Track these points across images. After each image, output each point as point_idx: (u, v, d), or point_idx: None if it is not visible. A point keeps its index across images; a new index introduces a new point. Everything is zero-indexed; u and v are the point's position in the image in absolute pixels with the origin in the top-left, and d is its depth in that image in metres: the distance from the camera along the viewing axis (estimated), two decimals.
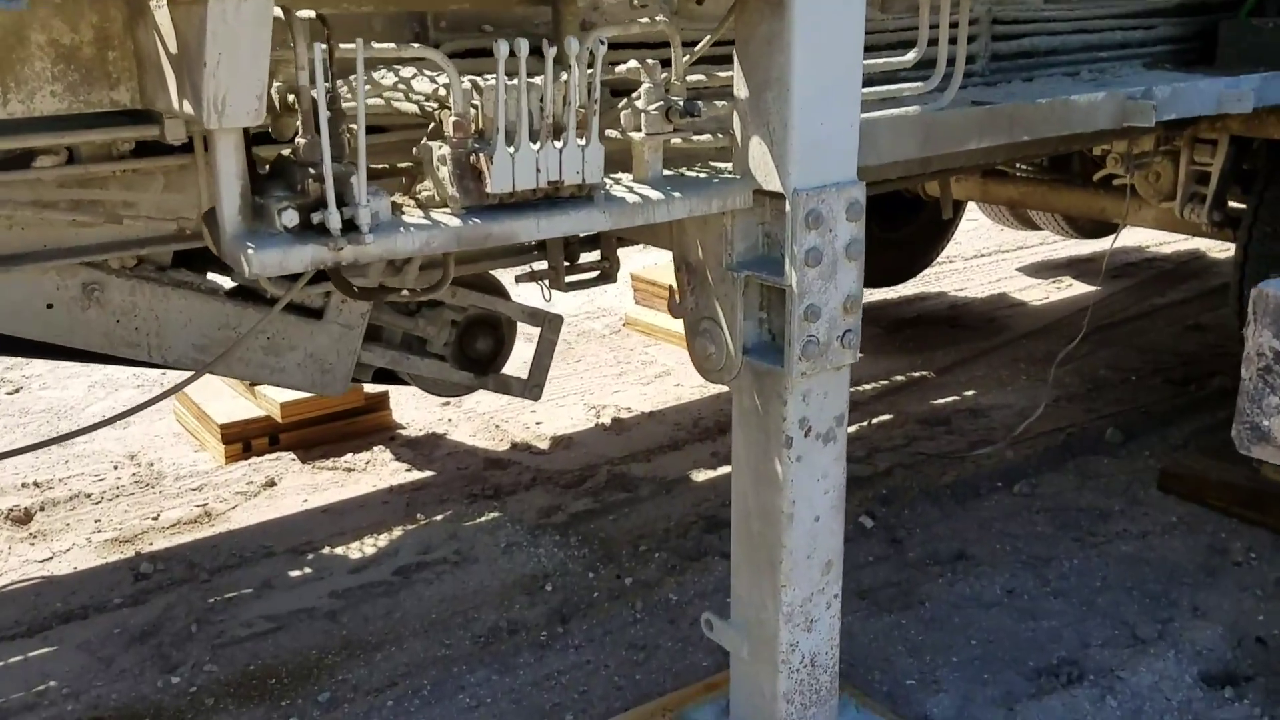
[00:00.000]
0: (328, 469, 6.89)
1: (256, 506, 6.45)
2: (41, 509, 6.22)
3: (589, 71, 3.00)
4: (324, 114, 2.54)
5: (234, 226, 2.63)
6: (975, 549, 5.74)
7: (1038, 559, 5.64)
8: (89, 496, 6.44)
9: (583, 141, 3.02)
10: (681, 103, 3.27)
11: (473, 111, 3.00)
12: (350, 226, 2.67)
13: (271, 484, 6.66)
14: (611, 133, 3.39)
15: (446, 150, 2.90)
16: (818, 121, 3.29)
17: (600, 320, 9.52)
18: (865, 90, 3.58)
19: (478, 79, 3.02)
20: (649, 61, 3.28)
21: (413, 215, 2.91)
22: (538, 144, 2.95)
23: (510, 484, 6.63)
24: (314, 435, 7.16)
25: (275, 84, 2.94)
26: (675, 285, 3.77)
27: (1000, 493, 6.38)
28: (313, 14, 2.73)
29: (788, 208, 3.30)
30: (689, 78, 3.51)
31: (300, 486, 6.67)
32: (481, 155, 2.88)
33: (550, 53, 2.85)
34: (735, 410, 3.70)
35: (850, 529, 5.79)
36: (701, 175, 3.50)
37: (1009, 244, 12.15)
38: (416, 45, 2.81)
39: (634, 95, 3.36)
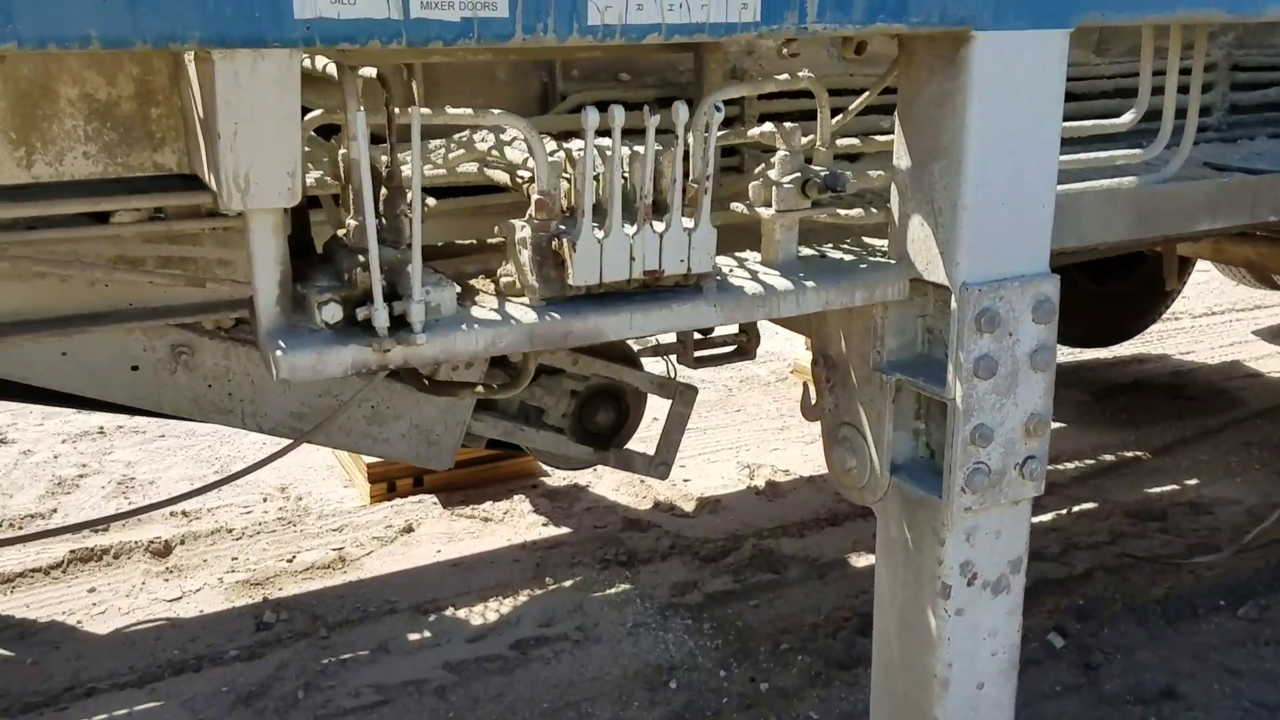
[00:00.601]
0: (466, 516, 6.61)
1: (391, 554, 6.23)
2: (182, 542, 6.21)
3: (704, 138, 2.48)
4: (367, 191, 2.12)
5: (269, 320, 2.25)
6: (1187, 686, 4.81)
7: (1265, 706, 4.65)
8: (230, 531, 6.39)
9: (690, 223, 2.50)
10: (823, 175, 2.69)
11: (564, 185, 2.53)
12: (401, 323, 2.25)
13: (409, 530, 6.44)
14: (737, 206, 2.84)
15: (527, 232, 2.44)
16: (997, 200, 2.63)
17: (766, 365, 8.91)
18: (1065, 157, 2.89)
19: (572, 147, 2.55)
20: (786, 125, 2.72)
21: (484, 307, 2.46)
22: (634, 226, 2.44)
23: (646, 550, 6.14)
24: (458, 479, 6.91)
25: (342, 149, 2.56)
26: (811, 380, 3.17)
27: (1222, 614, 5.37)
28: (372, 72, 2.33)
29: (954, 304, 2.66)
30: (840, 141, 2.92)
31: (436, 535, 6.42)
32: (565, 240, 2.40)
33: (651, 121, 2.34)
34: (880, 538, 3.07)
35: (1035, 647, 4.97)
36: (847, 257, 2.90)
37: (1245, 302, 10.70)
38: (498, 111, 2.35)
39: (767, 163, 2.80)
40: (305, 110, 2.61)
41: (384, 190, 2.31)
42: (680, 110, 2.37)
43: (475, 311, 2.42)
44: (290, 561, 6.06)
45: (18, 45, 1.66)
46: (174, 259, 3.22)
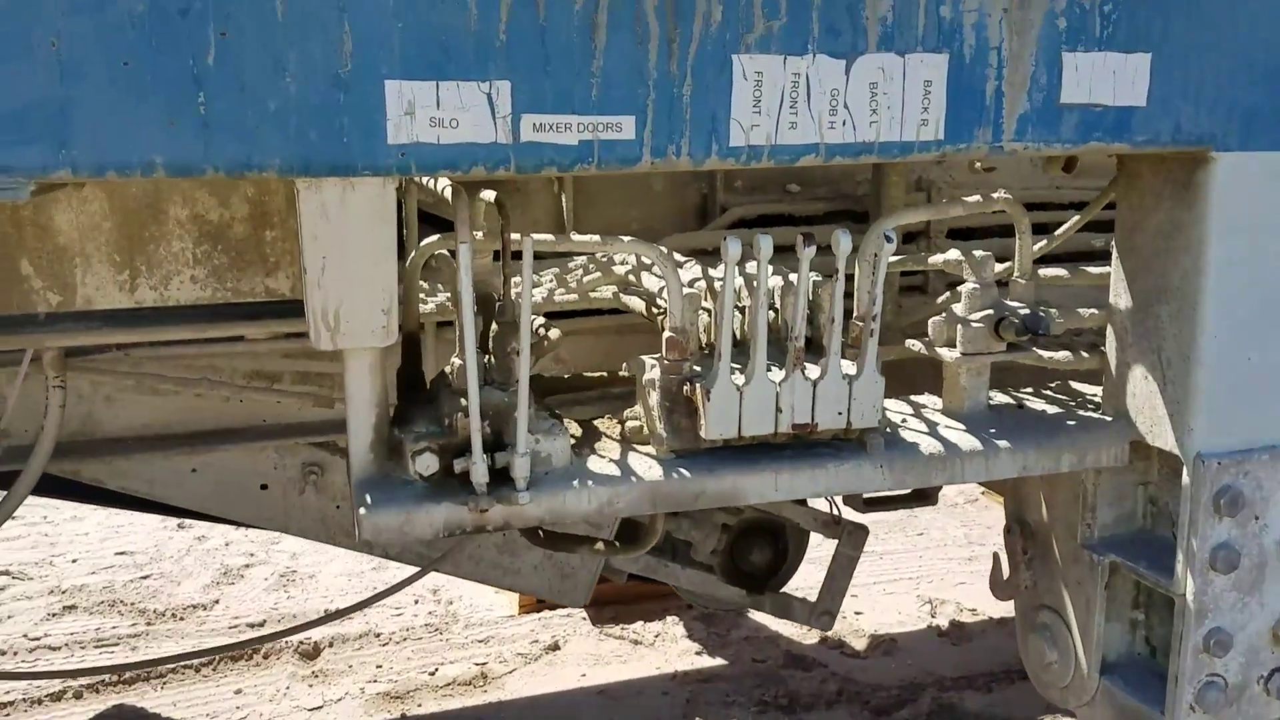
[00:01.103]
0: (615, 637, 6.24)
1: (534, 673, 5.91)
2: (330, 645, 6.11)
3: (869, 270, 2.10)
4: (467, 327, 1.84)
5: (361, 469, 2.00)
6: None
7: None
8: (378, 636, 6.25)
9: (852, 369, 2.11)
10: (1022, 314, 2.25)
11: (705, 318, 2.20)
12: (505, 477, 1.95)
13: (555, 648, 6.13)
14: (914, 344, 2.43)
15: (656, 373, 2.11)
16: (1242, 353, 2.12)
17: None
18: None
19: (717, 275, 2.22)
20: (976, 254, 2.30)
21: (603, 457, 2.13)
22: (782, 372, 2.08)
23: (809, 694, 5.58)
24: (609, 593, 6.57)
25: None
26: (1004, 549, 2.68)
27: None
28: (491, 195, 2.08)
29: (1185, 478, 2.15)
30: (1042, 272, 2.47)
31: (583, 655, 6.07)
32: (699, 386, 2.05)
33: (806, 253, 1.98)
34: None
35: None
36: (1050, 408, 2.43)
37: None
38: (629, 239, 2.06)
39: (953, 293, 2.39)
40: (432, 224, 2.40)
41: (494, 325, 2.04)
42: (842, 241, 2.00)
43: (591, 464, 2.09)
44: (433, 674, 5.84)
45: (72, 173, 1.48)
46: (311, 375, 3.07)
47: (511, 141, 1.69)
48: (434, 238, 2.09)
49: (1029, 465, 2.24)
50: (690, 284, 2.28)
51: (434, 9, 1.60)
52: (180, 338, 2.31)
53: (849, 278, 2.13)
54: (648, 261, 2.52)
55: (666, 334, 2.08)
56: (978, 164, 2.80)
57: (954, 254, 2.36)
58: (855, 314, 2.16)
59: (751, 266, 2.37)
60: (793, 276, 2.18)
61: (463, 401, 1.95)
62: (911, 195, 3.38)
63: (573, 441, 2.20)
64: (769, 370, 2.08)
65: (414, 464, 1.94)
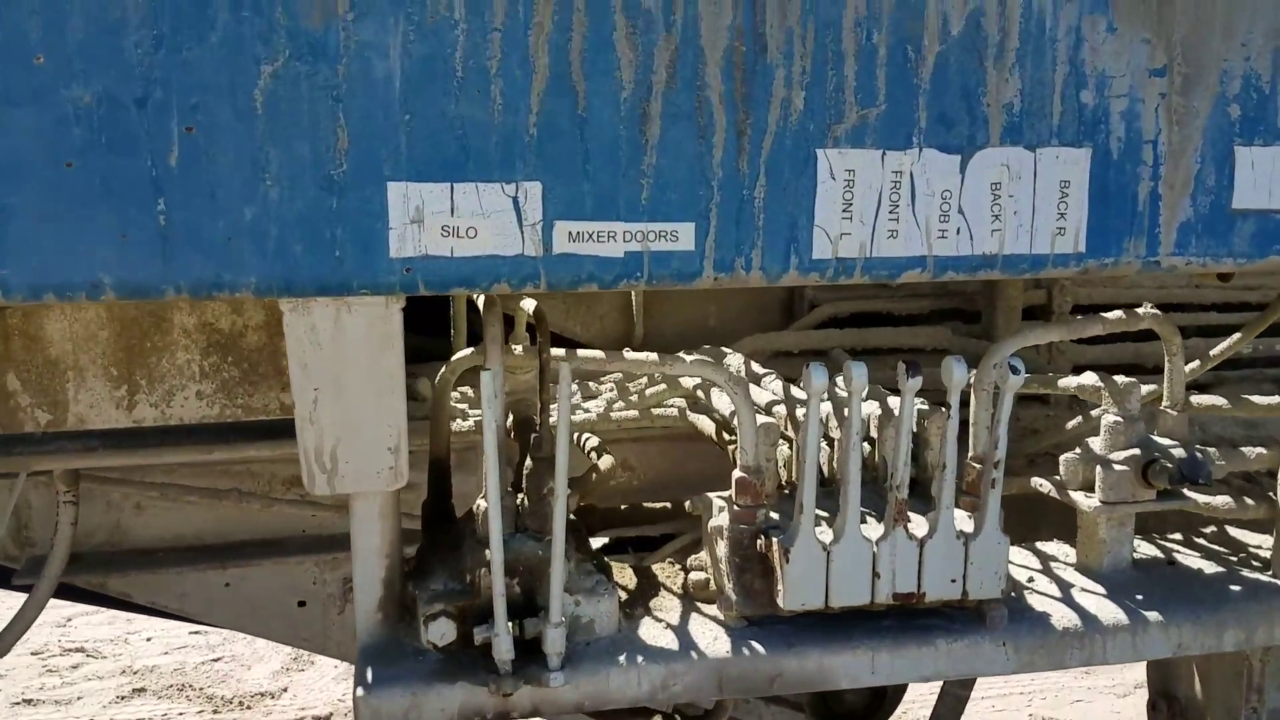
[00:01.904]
0: None
1: None
2: None
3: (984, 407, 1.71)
4: (491, 468, 1.52)
5: (367, 631, 1.68)
6: None
7: None
8: None
9: (968, 524, 1.72)
10: (1177, 456, 1.83)
11: (784, 450, 1.84)
12: (535, 648, 1.61)
13: None
14: (1041, 484, 2.02)
15: (724, 521, 1.75)
16: None
17: None
18: None
19: (799, 396, 1.86)
20: (1118, 380, 1.90)
21: (659, 622, 1.77)
22: (880, 527, 1.70)
23: None
24: None
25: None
26: None
27: None
28: (531, 305, 1.77)
29: None
30: (1195, 400, 2.03)
31: None
32: (775, 542, 1.68)
33: (910, 385, 1.61)
34: None
35: None
36: (1208, 567, 1.98)
37: None
38: (692, 358, 1.72)
39: (1082, 420, 1.98)
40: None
41: (528, 461, 1.72)
42: (955, 371, 1.62)
43: (644, 632, 1.73)
44: None
45: (3, 295, 1.21)
46: None
47: (542, 254, 1.38)
48: (467, 351, 1.79)
49: (1185, 643, 1.80)
50: (768, 408, 1.92)
51: (449, 98, 1.31)
52: (183, 460, 2.06)
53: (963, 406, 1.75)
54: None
55: (737, 474, 1.73)
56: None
57: (1090, 378, 1.96)
58: (971, 454, 1.77)
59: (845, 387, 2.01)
60: (894, 403, 1.81)
61: (488, 554, 1.61)
62: (1029, 294, 2.97)
63: (624, 597, 1.85)
64: (864, 523, 1.70)
65: (426, 631, 1.62)
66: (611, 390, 2.35)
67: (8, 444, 1.90)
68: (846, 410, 1.63)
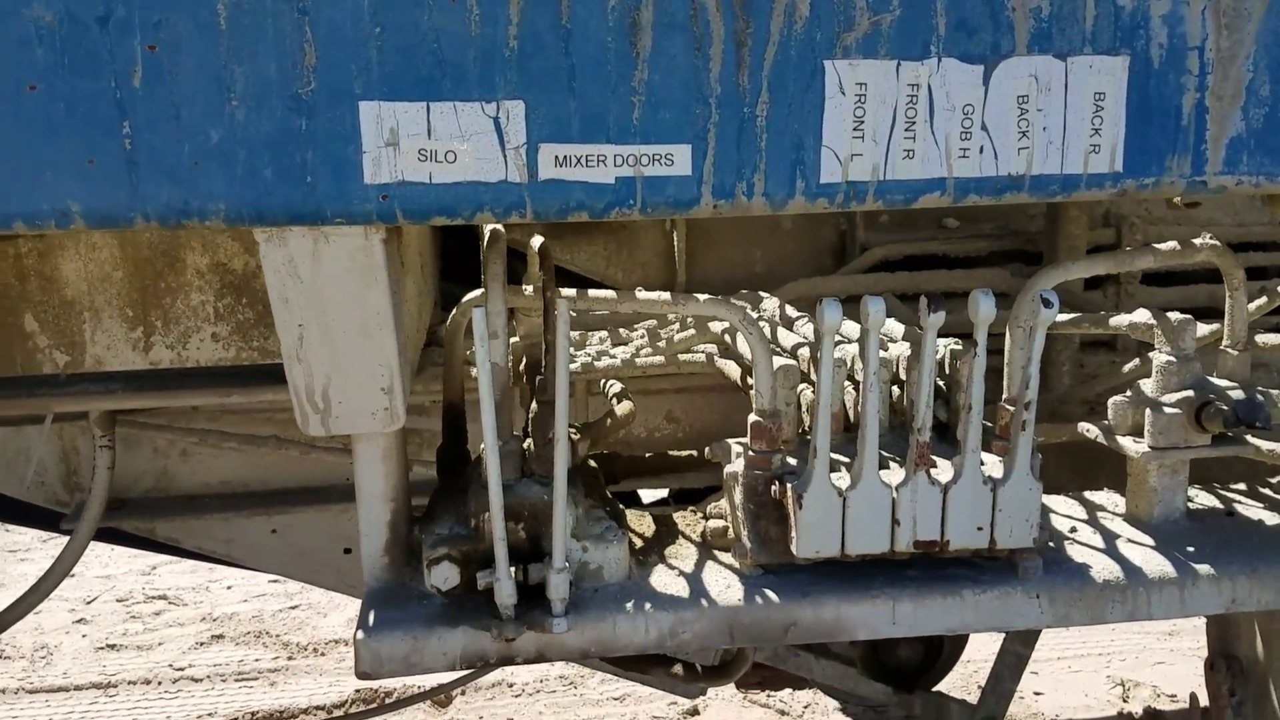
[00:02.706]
0: (760, 705, 5.74)
1: None
2: (463, 693, 5.87)
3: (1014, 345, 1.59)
4: (487, 409, 1.46)
5: (373, 575, 1.66)
6: None
7: None
8: (511, 686, 5.97)
9: (996, 469, 1.61)
10: (1234, 398, 1.68)
11: (809, 395, 1.74)
12: (538, 596, 1.56)
13: (694, 713, 5.68)
14: (1088, 429, 1.89)
15: (739, 465, 1.67)
16: None
17: None
18: None
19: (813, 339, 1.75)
20: (1173, 316, 1.75)
21: (671, 570, 1.70)
22: (901, 472, 1.60)
23: None
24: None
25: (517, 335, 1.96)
26: (1203, 688, 2.07)
27: None
28: (539, 240, 1.70)
29: None
30: (1262, 339, 1.87)
31: None
32: (789, 488, 1.60)
33: (932, 322, 1.50)
34: None
35: None
36: (1269, 516, 1.84)
37: None
38: (704, 298, 1.63)
39: (1140, 361, 1.84)
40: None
41: (534, 405, 1.66)
42: (981, 305, 1.51)
43: (655, 579, 1.67)
44: None
45: None
46: (408, 430, 2.77)
47: (527, 180, 1.30)
48: (477, 292, 1.74)
49: (1239, 599, 1.67)
50: (793, 351, 1.82)
51: (422, 9, 1.24)
52: (200, 403, 2.05)
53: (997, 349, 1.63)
54: (759, 314, 2.08)
55: (752, 417, 1.64)
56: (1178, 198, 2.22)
57: (1142, 315, 1.81)
58: (1004, 396, 1.66)
59: (891, 327, 1.90)
60: (941, 342, 1.70)
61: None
62: (1096, 232, 2.80)
63: (639, 544, 1.79)
64: (888, 469, 1.61)
65: (430, 575, 1.58)
66: (642, 337, 2.27)
67: (30, 385, 1.92)
68: (867, 344, 1.53)
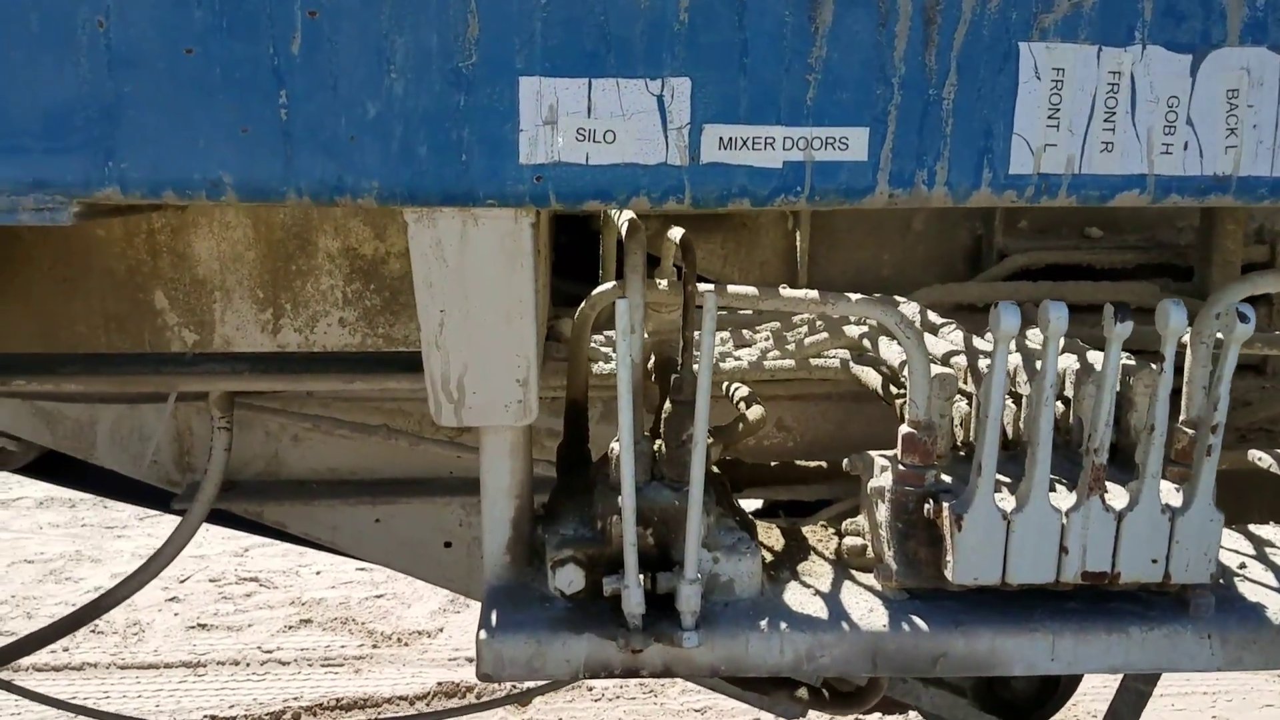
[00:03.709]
0: None
1: None
2: (543, 692, 5.83)
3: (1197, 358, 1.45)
4: (625, 414, 1.38)
5: (495, 573, 1.59)
6: None
7: None
8: (590, 690, 5.92)
9: (1174, 497, 1.47)
10: None
11: (962, 407, 1.63)
12: (669, 604, 1.47)
13: None
14: (1259, 456, 1.73)
15: (887, 481, 1.56)
16: None
17: None
18: None
19: (982, 346, 1.64)
20: None
21: (807, 587, 1.60)
22: (1071, 497, 1.47)
23: None
24: None
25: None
26: None
27: None
28: (679, 232, 1.62)
29: None
30: None
31: None
32: (946, 508, 1.48)
33: (1118, 332, 1.37)
34: None
35: None
36: None
37: None
38: (857, 297, 1.52)
39: None
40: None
41: (667, 405, 1.57)
42: (1172, 316, 1.37)
43: (790, 596, 1.57)
44: None
45: (121, 191, 1.15)
46: None
47: (688, 163, 1.22)
48: (609, 285, 1.66)
49: None
50: (945, 359, 1.71)
51: None
52: (325, 389, 2.01)
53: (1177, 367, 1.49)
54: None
55: (904, 429, 1.53)
56: None
57: None
58: (1183, 418, 1.52)
59: (1035, 338, 1.77)
60: (1094, 358, 1.57)
61: (620, 501, 1.48)
62: (1249, 249, 2.62)
63: (769, 559, 1.69)
64: (1052, 491, 1.48)
65: (554, 577, 1.50)
66: (767, 339, 2.17)
67: (156, 363, 1.90)
68: (1039, 359, 1.41)
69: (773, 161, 1.22)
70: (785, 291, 1.58)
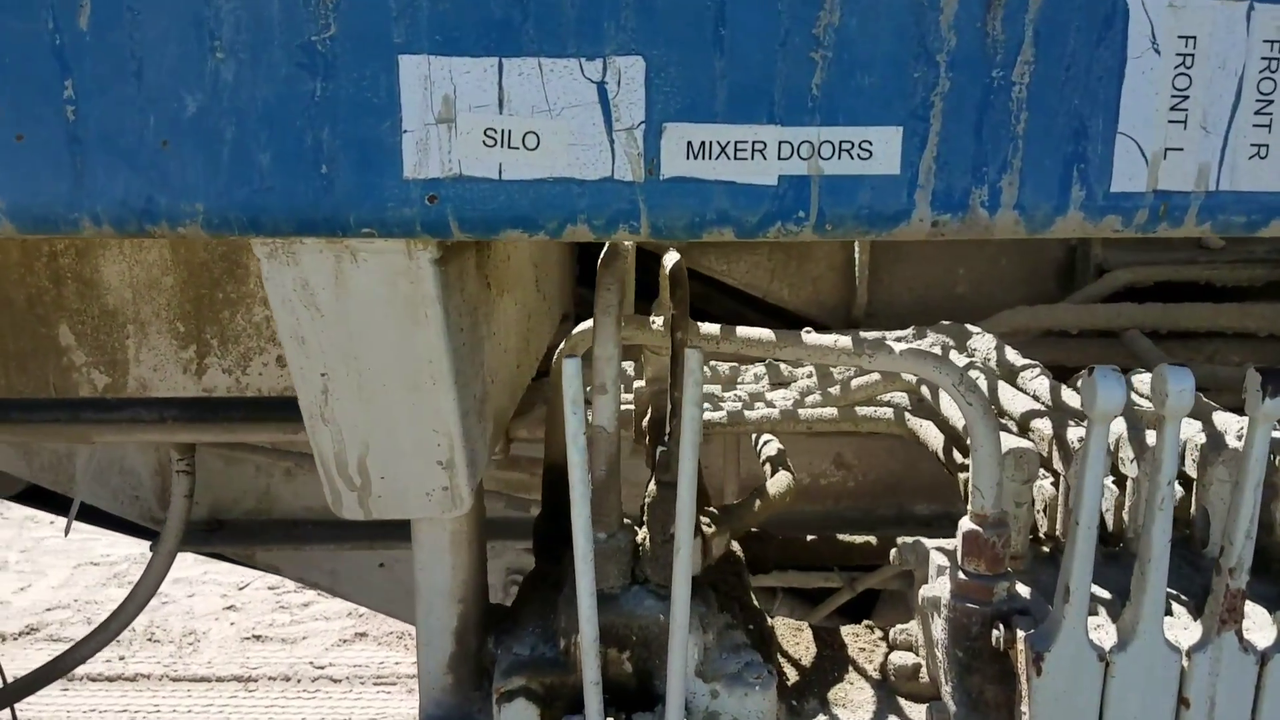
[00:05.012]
0: None
1: None
2: None
3: None
4: (580, 497, 1.02)
5: (431, 699, 1.25)
6: None
7: None
8: None
9: None
10: None
11: (1047, 489, 1.23)
12: None
13: None
14: None
15: (943, 589, 1.17)
16: None
17: None
18: None
19: (1071, 403, 1.23)
20: None
21: None
22: (1197, 633, 1.06)
23: None
24: None
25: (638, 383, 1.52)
26: None
27: None
28: (673, 258, 1.25)
29: None
30: None
31: None
32: (1021, 636, 1.09)
33: (1267, 409, 0.96)
34: None
35: None
36: None
37: None
38: (898, 342, 1.15)
39: None
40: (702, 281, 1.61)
41: (651, 486, 1.20)
42: None
43: None
44: None
45: None
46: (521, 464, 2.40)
47: (643, 178, 0.85)
48: (589, 324, 1.30)
49: None
50: (1023, 424, 1.31)
51: None
52: (262, 441, 1.71)
53: None
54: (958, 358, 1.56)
55: (966, 525, 1.14)
56: None
57: None
58: None
59: (1143, 384, 1.36)
60: (1223, 423, 1.16)
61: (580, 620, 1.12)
62: None
63: (794, 679, 1.31)
64: (1168, 614, 1.07)
65: (500, 714, 1.15)
66: (810, 376, 1.79)
67: (74, 409, 1.61)
68: (1153, 435, 1.01)
69: (764, 176, 0.85)
70: (809, 338, 1.20)
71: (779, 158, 0.85)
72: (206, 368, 1.53)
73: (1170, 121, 0.84)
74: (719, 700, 1.16)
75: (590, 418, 1.17)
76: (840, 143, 0.85)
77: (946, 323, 1.92)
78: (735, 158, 0.85)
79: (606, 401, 1.15)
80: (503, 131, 0.84)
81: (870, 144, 0.85)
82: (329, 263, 0.90)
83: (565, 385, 0.98)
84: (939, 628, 1.18)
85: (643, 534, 1.22)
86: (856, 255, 2.30)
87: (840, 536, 1.61)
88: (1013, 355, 1.59)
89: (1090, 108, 0.84)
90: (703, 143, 0.85)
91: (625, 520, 1.22)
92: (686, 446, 1.04)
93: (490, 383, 1.19)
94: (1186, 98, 0.84)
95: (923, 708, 1.23)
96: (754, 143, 0.85)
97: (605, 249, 1.21)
